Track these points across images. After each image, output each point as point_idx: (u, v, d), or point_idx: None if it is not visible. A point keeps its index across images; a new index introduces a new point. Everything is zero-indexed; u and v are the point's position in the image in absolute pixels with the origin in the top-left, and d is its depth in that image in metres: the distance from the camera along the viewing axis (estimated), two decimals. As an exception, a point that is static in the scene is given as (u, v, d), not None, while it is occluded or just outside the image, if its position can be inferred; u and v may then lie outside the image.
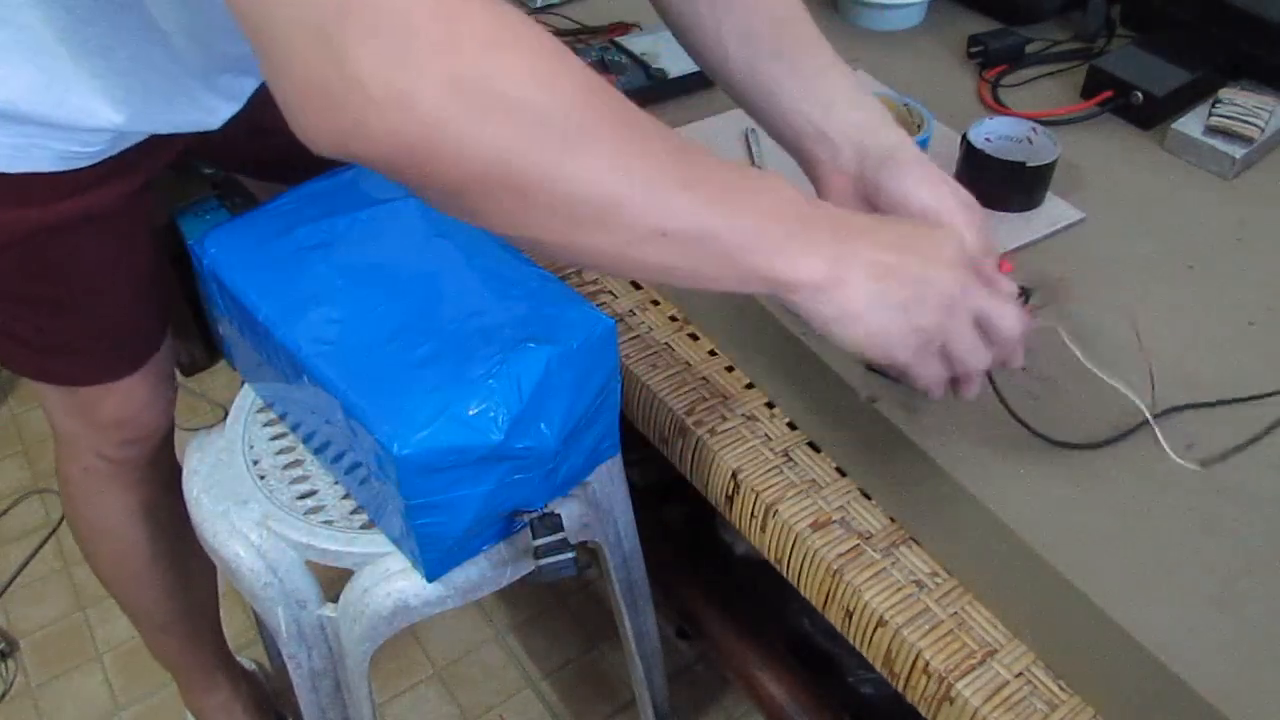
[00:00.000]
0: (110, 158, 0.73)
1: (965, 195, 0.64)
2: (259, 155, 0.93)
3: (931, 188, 0.63)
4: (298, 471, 0.83)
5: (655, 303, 0.90)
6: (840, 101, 0.66)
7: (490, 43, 0.43)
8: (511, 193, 0.46)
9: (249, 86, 0.77)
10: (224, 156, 0.94)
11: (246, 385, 0.89)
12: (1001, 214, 0.86)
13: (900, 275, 0.54)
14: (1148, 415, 0.63)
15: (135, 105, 0.68)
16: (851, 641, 0.72)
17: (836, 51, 0.70)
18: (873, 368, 0.73)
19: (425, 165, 0.44)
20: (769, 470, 0.76)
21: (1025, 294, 0.69)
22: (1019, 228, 0.85)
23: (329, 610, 0.81)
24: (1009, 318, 0.58)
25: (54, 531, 1.60)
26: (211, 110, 0.75)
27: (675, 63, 1.02)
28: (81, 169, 0.71)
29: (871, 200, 0.65)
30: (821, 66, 0.67)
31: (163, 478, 0.98)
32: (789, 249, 0.52)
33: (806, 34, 0.68)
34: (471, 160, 0.44)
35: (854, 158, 0.65)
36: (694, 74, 1.01)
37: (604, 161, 0.47)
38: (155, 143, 0.74)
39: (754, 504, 0.75)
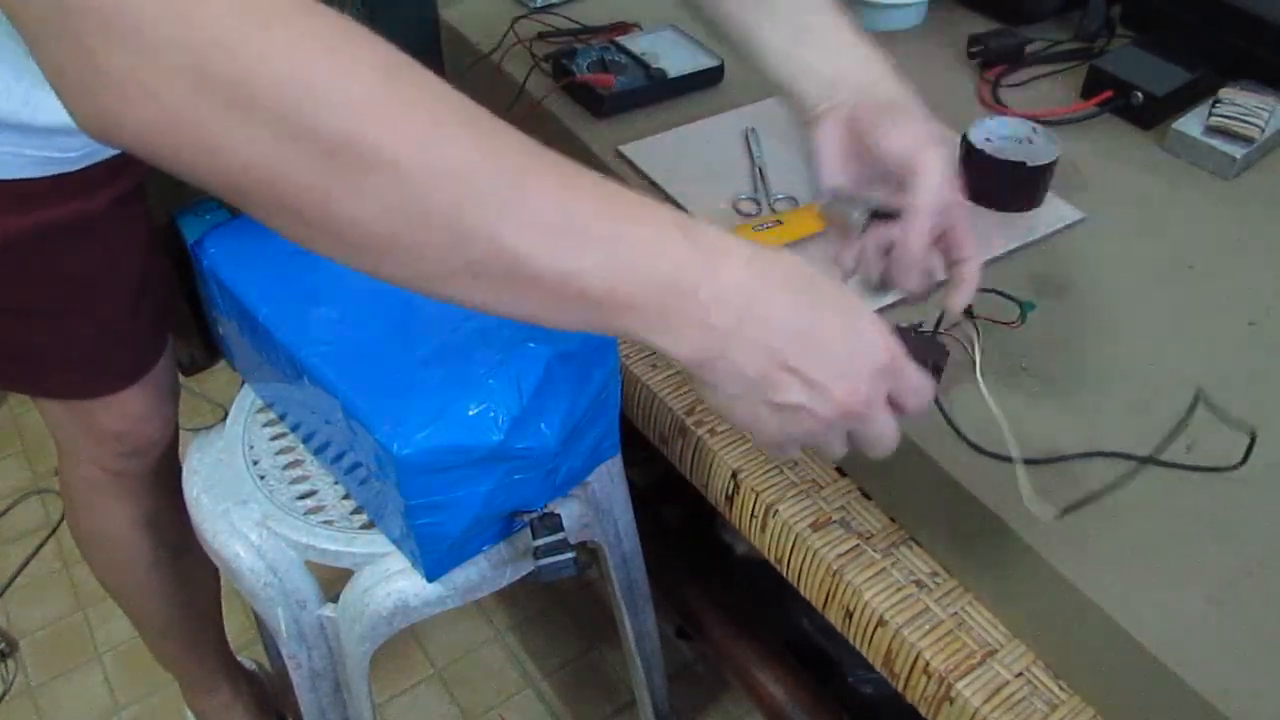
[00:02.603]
0: (95, 164, 0.72)
1: (948, 151, 0.62)
2: None
3: (915, 134, 0.61)
4: (298, 471, 0.83)
5: (655, 303, 0.90)
6: (840, 45, 0.65)
7: (245, 33, 0.39)
8: (281, 211, 0.42)
9: None
10: None
11: (246, 385, 0.89)
12: (1001, 214, 0.86)
13: (783, 381, 0.50)
14: (1016, 458, 0.63)
15: None
16: (851, 641, 0.72)
17: None
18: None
19: (187, 167, 0.41)
20: (769, 470, 0.76)
21: (937, 365, 0.70)
22: (1019, 228, 0.85)
23: (329, 610, 0.81)
24: (886, 438, 0.53)
25: (54, 531, 1.60)
26: None
27: (675, 63, 1.02)
28: (64, 175, 0.70)
29: (863, 140, 0.64)
30: (819, 10, 0.66)
31: (165, 487, 0.98)
32: (661, 323, 0.47)
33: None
34: (226, 171, 0.41)
35: (850, 97, 0.64)
36: (694, 74, 1.02)
37: (396, 190, 0.42)
38: None
39: (754, 504, 0.75)
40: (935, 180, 0.60)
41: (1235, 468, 0.65)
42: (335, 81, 0.40)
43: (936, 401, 0.69)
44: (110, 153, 0.72)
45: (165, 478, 0.97)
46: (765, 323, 0.48)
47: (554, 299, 0.46)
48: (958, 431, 0.68)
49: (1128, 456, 0.67)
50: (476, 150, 0.43)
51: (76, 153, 0.70)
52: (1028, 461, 0.63)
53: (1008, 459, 0.67)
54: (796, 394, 0.50)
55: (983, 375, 0.71)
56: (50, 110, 0.65)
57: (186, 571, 1.07)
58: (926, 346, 0.70)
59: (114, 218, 0.77)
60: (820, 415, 0.51)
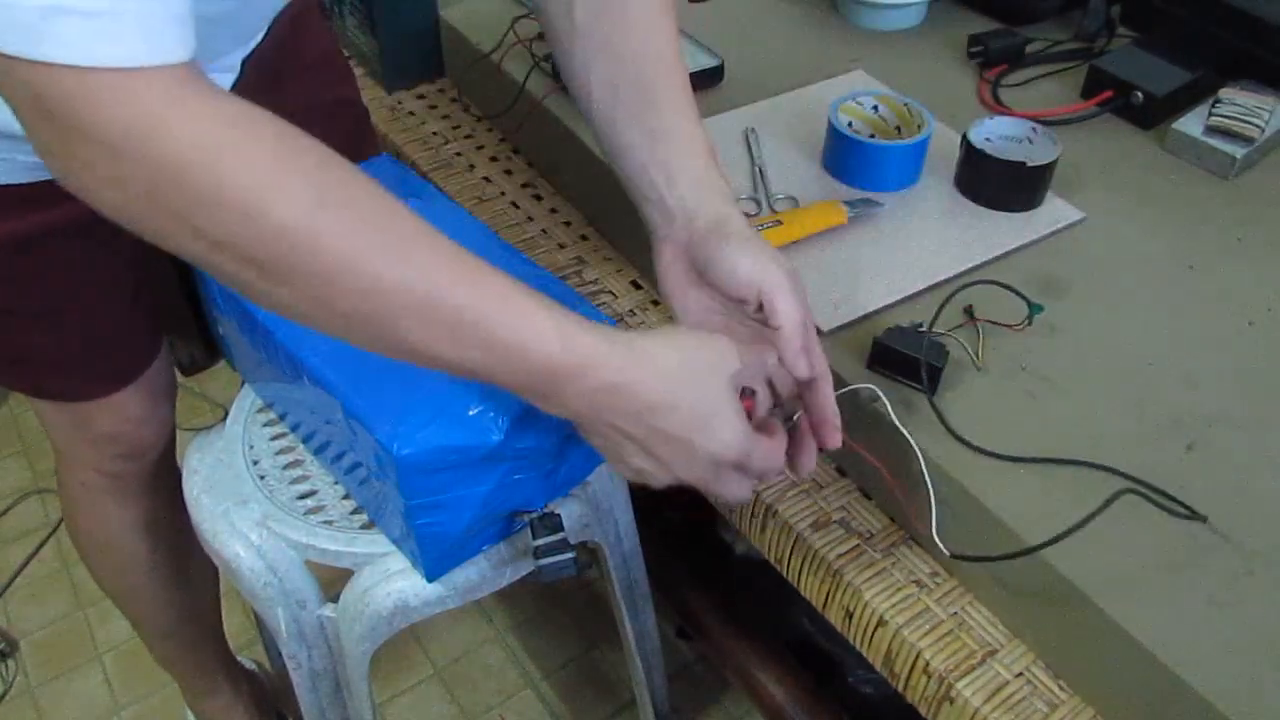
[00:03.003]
0: None
1: (788, 265, 0.63)
2: None
3: (755, 259, 0.62)
4: (298, 471, 0.83)
5: (655, 303, 0.90)
6: (683, 173, 0.66)
7: (193, 161, 0.46)
8: (230, 283, 0.52)
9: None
10: None
11: (246, 385, 0.89)
12: (1001, 214, 0.86)
13: (632, 453, 0.59)
14: (933, 513, 0.67)
15: None
16: (851, 641, 0.72)
17: (833, 53, 0.70)
18: (873, 366, 0.73)
19: (152, 240, 0.50)
20: (769, 470, 0.76)
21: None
22: (1019, 228, 0.85)
23: (329, 610, 0.81)
24: (734, 498, 0.62)
25: (54, 531, 1.60)
26: None
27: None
28: (54, 181, 0.70)
29: (702, 272, 0.65)
30: (675, 133, 0.67)
31: (163, 490, 0.98)
32: (535, 399, 0.57)
33: (670, 96, 0.67)
34: (180, 251, 0.50)
35: (684, 228, 0.65)
36: (693, 74, 1.01)
37: (317, 291, 0.50)
38: None
39: (754, 504, 0.75)
40: (789, 300, 0.62)
41: (1204, 520, 0.64)
42: (271, 200, 0.48)
43: (931, 403, 0.69)
44: None
45: (163, 480, 0.97)
46: (618, 414, 0.57)
47: (466, 373, 0.55)
48: (953, 432, 0.68)
49: (1119, 473, 0.67)
50: (393, 266, 0.51)
51: None
52: (1021, 459, 0.63)
53: (1009, 459, 0.67)
54: (641, 462, 0.60)
55: (981, 374, 0.71)
56: None
57: (186, 573, 1.07)
58: (925, 347, 0.70)
59: (108, 221, 0.77)
60: (661, 481, 0.61)
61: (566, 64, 0.70)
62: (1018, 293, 0.75)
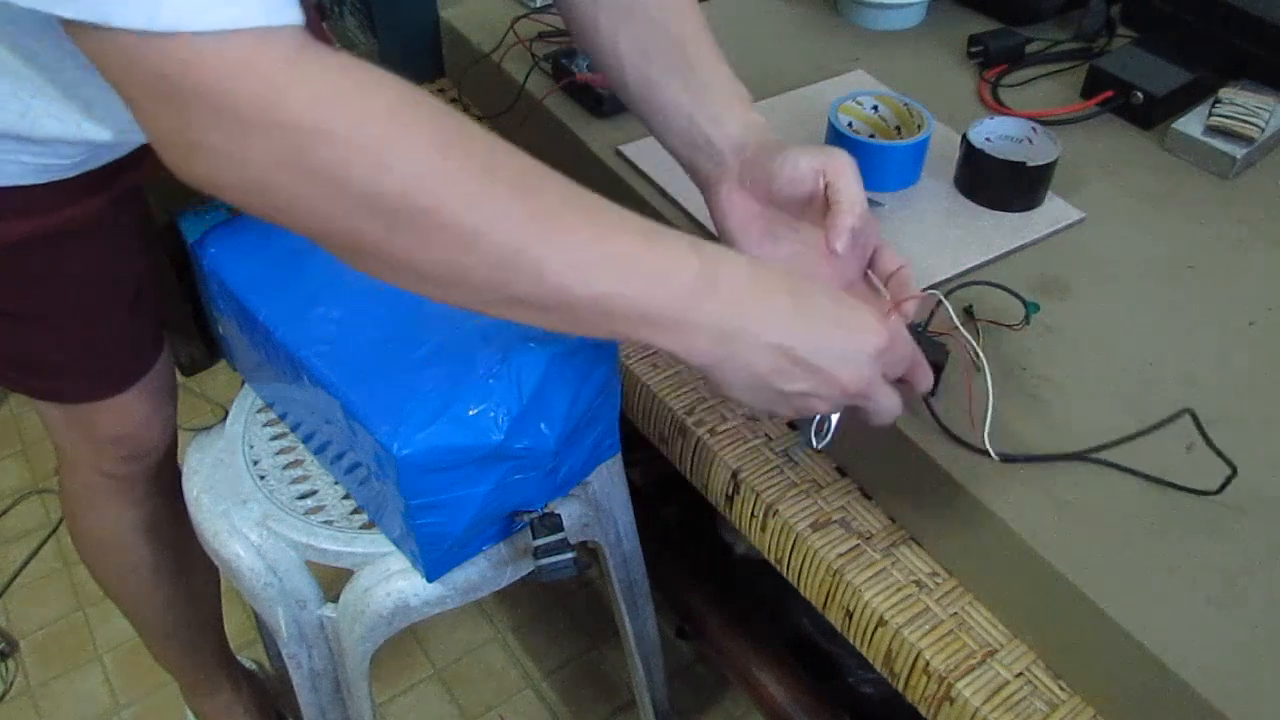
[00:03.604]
0: (92, 169, 0.72)
1: (847, 155, 0.66)
2: None
3: (813, 153, 0.65)
4: (298, 471, 0.83)
5: (655, 303, 0.90)
6: (730, 117, 0.69)
7: (323, 118, 0.46)
8: (356, 257, 0.52)
9: None
10: None
11: (246, 385, 0.89)
12: (1001, 214, 0.86)
13: (791, 373, 0.56)
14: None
15: (97, 115, 0.67)
16: (851, 641, 0.72)
17: (833, 53, 0.71)
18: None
19: (273, 219, 0.49)
20: (769, 470, 0.76)
21: (937, 364, 0.70)
22: (1019, 228, 0.85)
23: (329, 610, 0.81)
24: (892, 410, 0.61)
25: (54, 531, 1.60)
26: None
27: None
28: (60, 181, 0.70)
29: (764, 185, 0.67)
30: (713, 83, 0.70)
31: (165, 492, 0.97)
32: (676, 334, 0.54)
33: (702, 51, 0.70)
34: (305, 227, 0.49)
35: (736, 158, 0.68)
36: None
37: (451, 243, 0.49)
38: (139, 152, 0.74)
39: (754, 504, 0.75)
40: (851, 177, 0.65)
41: (1215, 492, 0.64)
42: (396, 154, 0.47)
43: (928, 403, 0.69)
44: (108, 158, 0.72)
45: (165, 481, 0.97)
46: (769, 323, 0.55)
47: (585, 319, 0.54)
48: (953, 434, 0.68)
49: (1122, 468, 0.67)
50: (520, 204, 0.50)
51: (73, 159, 0.69)
52: (1011, 458, 0.63)
53: (1011, 459, 0.67)
54: (803, 383, 0.57)
55: (981, 373, 0.71)
56: (48, 121, 0.65)
57: (187, 574, 1.07)
58: (925, 347, 0.70)
59: (112, 221, 0.77)
60: (827, 398, 0.58)
61: (593, 38, 0.72)
62: (1013, 293, 0.75)
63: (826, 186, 0.65)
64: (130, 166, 0.74)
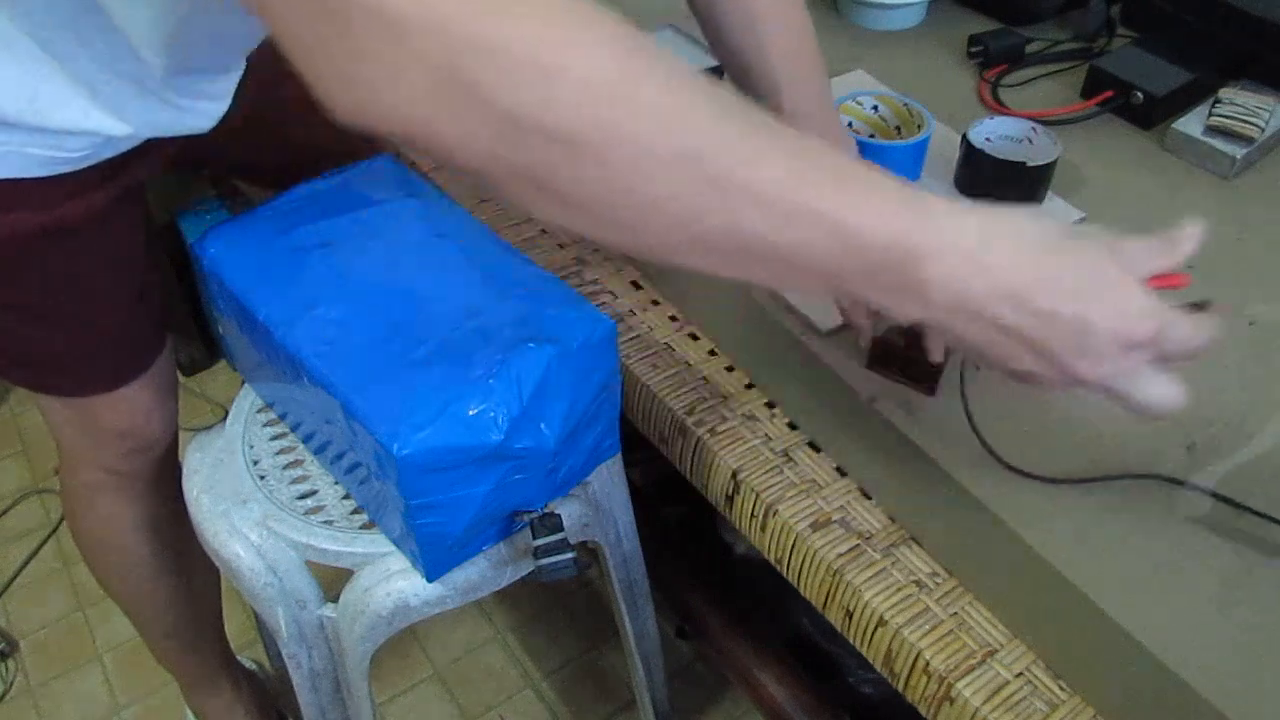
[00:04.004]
0: (97, 163, 0.72)
1: None
2: (252, 160, 0.93)
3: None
4: (298, 471, 0.83)
5: (655, 303, 0.90)
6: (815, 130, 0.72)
7: (494, 24, 0.41)
8: (523, 190, 0.45)
9: (227, 90, 0.76)
10: (221, 161, 0.94)
11: (246, 385, 0.89)
12: (1001, 214, 0.86)
13: (1011, 352, 0.49)
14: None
15: (107, 107, 0.68)
16: (851, 641, 0.72)
17: (833, 53, 0.72)
18: (873, 366, 0.73)
19: (434, 150, 0.44)
20: (769, 470, 0.76)
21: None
22: (1019, 228, 0.85)
23: (329, 610, 0.81)
24: (1156, 400, 0.51)
25: (54, 531, 1.60)
26: (190, 114, 0.74)
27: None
28: (65, 175, 0.70)
29: None
30: (812, 108, 0.74)
31: (166, 489, 0.98)
32: (881, 292, 0.48)
33: (809, 74, 0.74)
34: (473, 155, 0.43)
35: None
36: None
37: (630, 174, 0.43)
38: (144, 148, 0.74)
39: (754, 504, 0.75)
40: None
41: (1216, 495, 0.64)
42: (575, 71, 0.42)
43: (972, 423, 0.67)
44: (113, 152, 0.72)
45: (166, 479, 0.97)
46: (985, 299, 0.48)
47: (779, 271, 0.47)
48: (951, 435, 0.68)
49: (1141, 476, 0.67)
50: (712, 135, 0.44)
51: (80, 152, 0.70)
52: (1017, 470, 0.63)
53: (1008, 460, 0.67)
54: (1027, 364, 0.50)
55: (980, 375, 0.71)
56: (57, 112, 0.65)
57: (188, 573, 1.07)
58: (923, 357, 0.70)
59: (116, 215, 0.77)
60: (1055, 383, 0.50)
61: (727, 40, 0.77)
62: None
63: None
64: (135, 161, 0.75)
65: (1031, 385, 0.52)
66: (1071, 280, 0.48)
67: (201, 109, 0.74)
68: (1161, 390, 0.51)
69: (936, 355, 0.63)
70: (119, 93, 0.67)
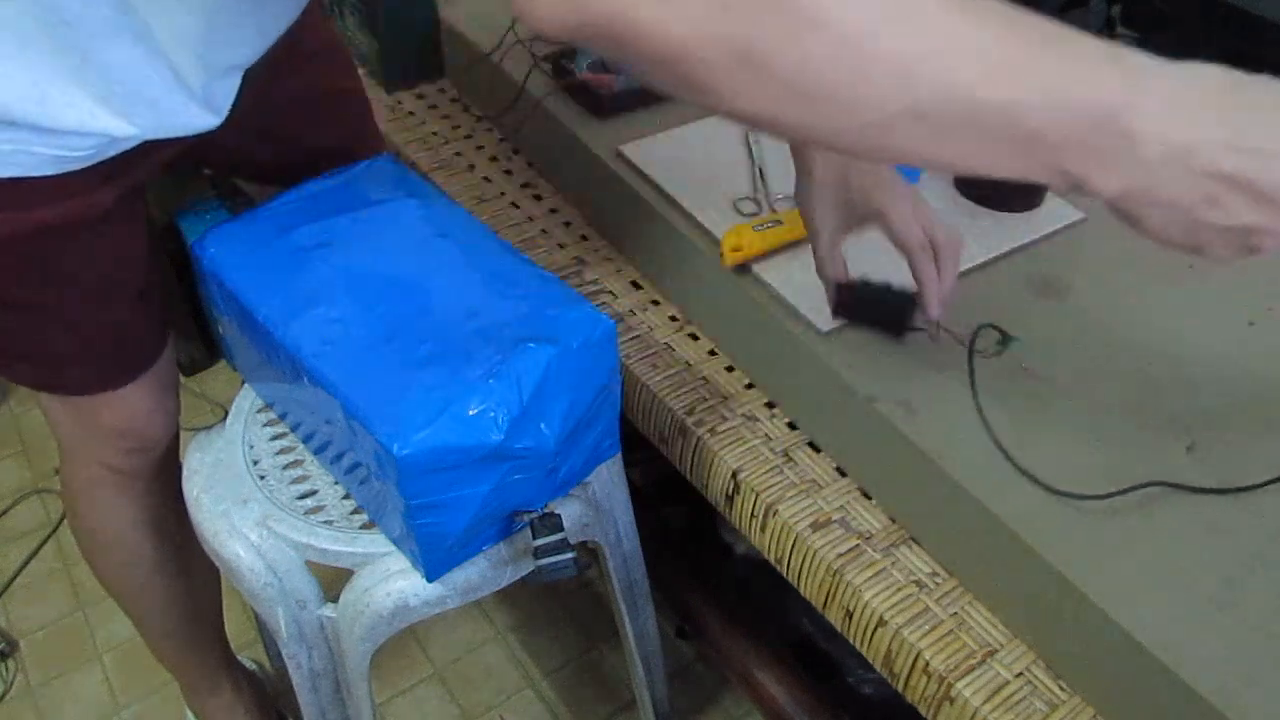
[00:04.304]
0: (102, 162, 0.72)
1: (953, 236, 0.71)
2: (257, 160, 0.93)
3: (911, 225, 0.70)
4: (298, 471, 0.83)
5: (655, 303, 0.90)
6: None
7: None
8: (735, 66, 0.44)
9: (232, 90, 0.76)
10: (229, 162, 0.94)
11: (246, 385, 0.89)
12: (1001, 214, 0.86)
13: (1229, 203, 0.47)
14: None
15: (119, 106, 0.68)
16: (851, 641, 0.72)
17: None
18: (839, 312, 0.75)
19: (625, 45, 0.44)
20: (769, 470, 0.76)
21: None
22: (1019, 228, 0.85)
23: (329, 610, 0.81)
24: None
25: (54, 531, 1.60)
26: (199, 115, 0.74)
27: None
28: (72, 173, 0.70)
29: (857, 219, 0.72)
30: None
31: (166, 488, 0.98)
32: (1090, 158, 0.46)
33: None
34: (676, 37, 0.43)
35: (825, 175, 0.71)
36: (694, 74, 1.01)
37: (843, 40, 0.43)
38: (150, 147, 0.74)
39: (754, 504, 0.75)
40: (950, 260, 0.70)
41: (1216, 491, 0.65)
42: None
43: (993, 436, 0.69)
44: (117, 150, 0.72)
45: (167, 477, 0.97)
46: (1201, 146, 0.46)
47: (993, 136, 0.46)
48: (951, 434, 0.68)
49: (1158, 484, 0.67)
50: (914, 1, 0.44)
51: (86, 151, 0.70)
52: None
53: (1008, 459, 0.67)
54: (1247, 214, 0.47)
55: (974, 378, 0.71)
56: (66, 110, 0.66)
57: (189, 572, 1.07)
58: (888, 299, 0.73)
59: (120, 214, 0.77)
60: (1277, 230, 0.48)
61: None
62: (997, 328, 0.75)
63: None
64: (138, 161, 0.75)
65: (1231, 256, 0.50)
66: None
67: (212, 108, 0.75)
68: None
69: (934, 310, 0.68)
70: (131, 94, 0.68)
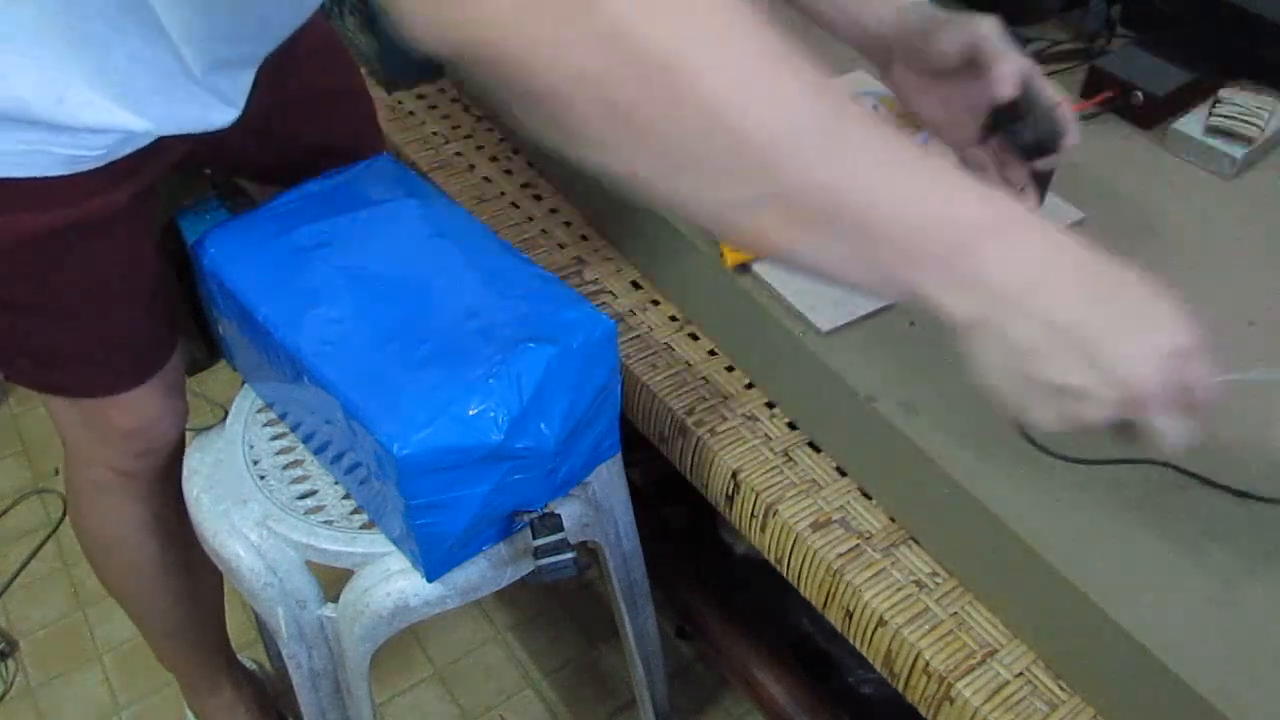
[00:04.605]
0: (115, 162, 0.72)
1: (991, 23, 0.70)
2: (265, 160, 0.93)
3: (958, 28, 0.70)
4: (298, 471, 0.83)
5: (655, 303, 0.90)
6: (885, 8, 0.75)
7: None
8: (593, 115, 0.43)
9: (245, 86, 0.77)
10: (229, 161, 0.94)
11: (246, 385, 0.89)
12: (1001, 214, 0.86)
13: (1061, 360, 0.47)
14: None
15: (134, 103, 0.68)
16: (851, 641, 0.72)
17: (833, 53, 0.72)
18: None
19: (510, 69, 0.42)
20: (769, 470, 0.76)
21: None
22: (1019, 228, 0.85)
23: (329, 610, 0.81)
24: (1167, 439, 0.50)
25: (54, 531, 1.60)
26: (214, 110, 0.75)
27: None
28: (86, 173, 0.71)
29: (923, 69, 0.74)
30: None
31: (172, 489, 0.97)
32: (945, 276, 0.46)
33: None
34: (547, 74, 0.42)
35: (901, 38, 0.74)
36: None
37: (712, 118, 0.42)
38: (161, 146, 0.74)
39: (754, 504, 0.75)
40: (995, 36, 0.70)
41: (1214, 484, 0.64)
42: (661, 8, 0.41)
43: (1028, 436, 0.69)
44: (131, 148, 0.73)
45: (172, 478, 0.97)
46: (1053, 294, 0.46)
47: (854, 241, 0.45)
48: (953, 432, 0.68)
49: (1165, 465, 0.67)
50: (794, 89, 0.44)
51: (100, 151, 0.70)
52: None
53: (1007, 460, 0.67)
54: (1077, 376, 0.47)
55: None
56: (84, 109, 0.66)
57: (191, 572, 1.07)
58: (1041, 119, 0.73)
59: (133, 214, 0.77)
60: (1101, 399, 0.47)
61: None
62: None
63: (976, 53, 0.69)
64: (150, 160, 0.75)
65: (1049, 421, 0.49)
66: (1131, 293, 0.48)
67: (225, 104, 0.75)
68: (1183, 423, 0.50)
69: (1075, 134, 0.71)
70: (146, 90, 0.68)
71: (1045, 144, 0.73)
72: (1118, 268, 0.48)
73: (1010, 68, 0.69)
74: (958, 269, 0.46)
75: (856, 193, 0.45)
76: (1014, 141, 0.73)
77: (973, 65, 0.71)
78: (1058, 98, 0.71)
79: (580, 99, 0.42)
